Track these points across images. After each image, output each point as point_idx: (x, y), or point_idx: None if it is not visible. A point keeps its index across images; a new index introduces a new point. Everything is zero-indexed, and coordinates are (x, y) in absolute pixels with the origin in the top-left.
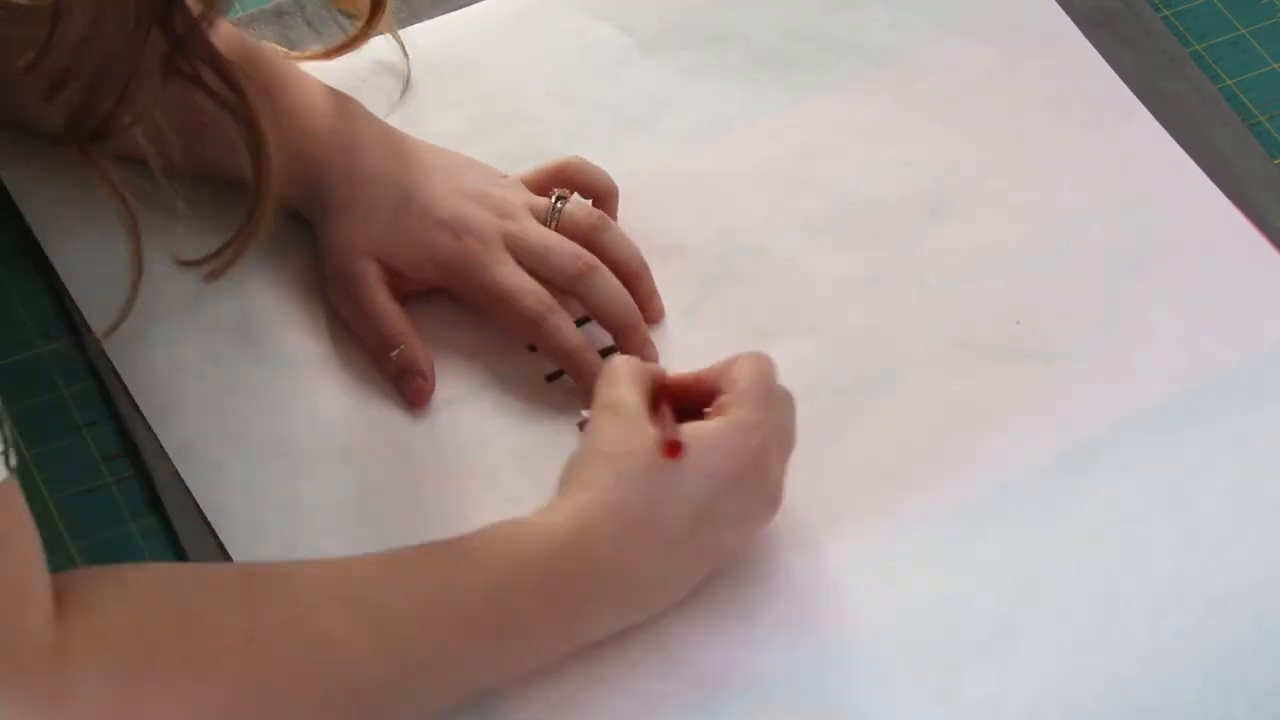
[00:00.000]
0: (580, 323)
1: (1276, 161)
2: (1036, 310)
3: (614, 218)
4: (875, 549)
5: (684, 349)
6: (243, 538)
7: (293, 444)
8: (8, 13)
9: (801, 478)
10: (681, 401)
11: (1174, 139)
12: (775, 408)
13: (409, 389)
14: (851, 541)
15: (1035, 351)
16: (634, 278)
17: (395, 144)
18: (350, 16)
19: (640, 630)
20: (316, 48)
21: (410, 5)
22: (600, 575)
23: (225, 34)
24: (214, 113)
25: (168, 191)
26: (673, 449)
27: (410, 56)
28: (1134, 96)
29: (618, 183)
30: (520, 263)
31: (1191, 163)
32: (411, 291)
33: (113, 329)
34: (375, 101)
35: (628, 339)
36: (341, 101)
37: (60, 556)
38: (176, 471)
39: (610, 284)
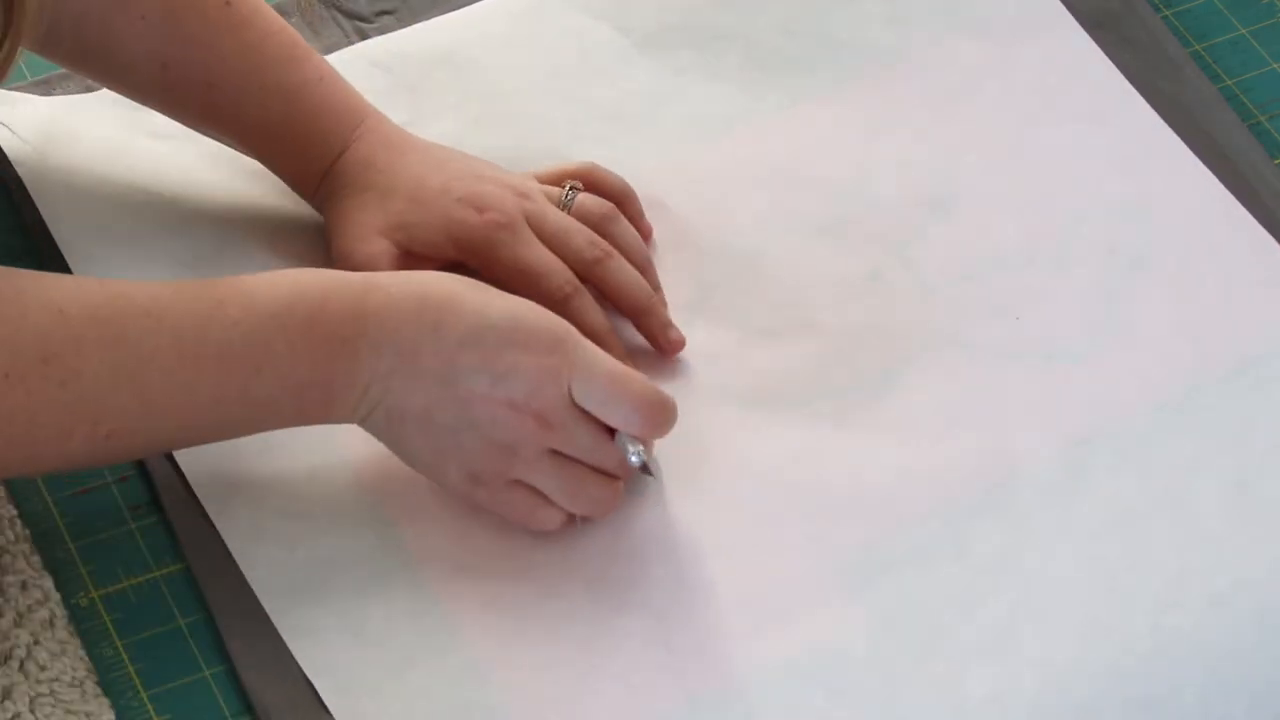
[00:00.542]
0: None
1: (1276, 161)
2: (1036, 310)
3: (636, 220)
4: (876, 548)
5: (684, 349)
6: (243, 537)
7: (292, 444)
8: None
9: (802, 477)
10: None
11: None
12: (609, 397)
13: None
14: (852, 540)
15: (1035, 351)
16: (640, 271)
17: (416, 142)
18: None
19: (641, 626)
20: (317, 47)
21: (410, 5)
22: (363, 318)
23: (268, 29)
24: None
25: None
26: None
27: (410, 56)
28: (1135, 92)
29: None
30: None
31: (1193, 158)
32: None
33: None
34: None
35: (646, 322)
36: (364, 107)
37: (61, 556)
38: (177, 471)
39: (627, 270)
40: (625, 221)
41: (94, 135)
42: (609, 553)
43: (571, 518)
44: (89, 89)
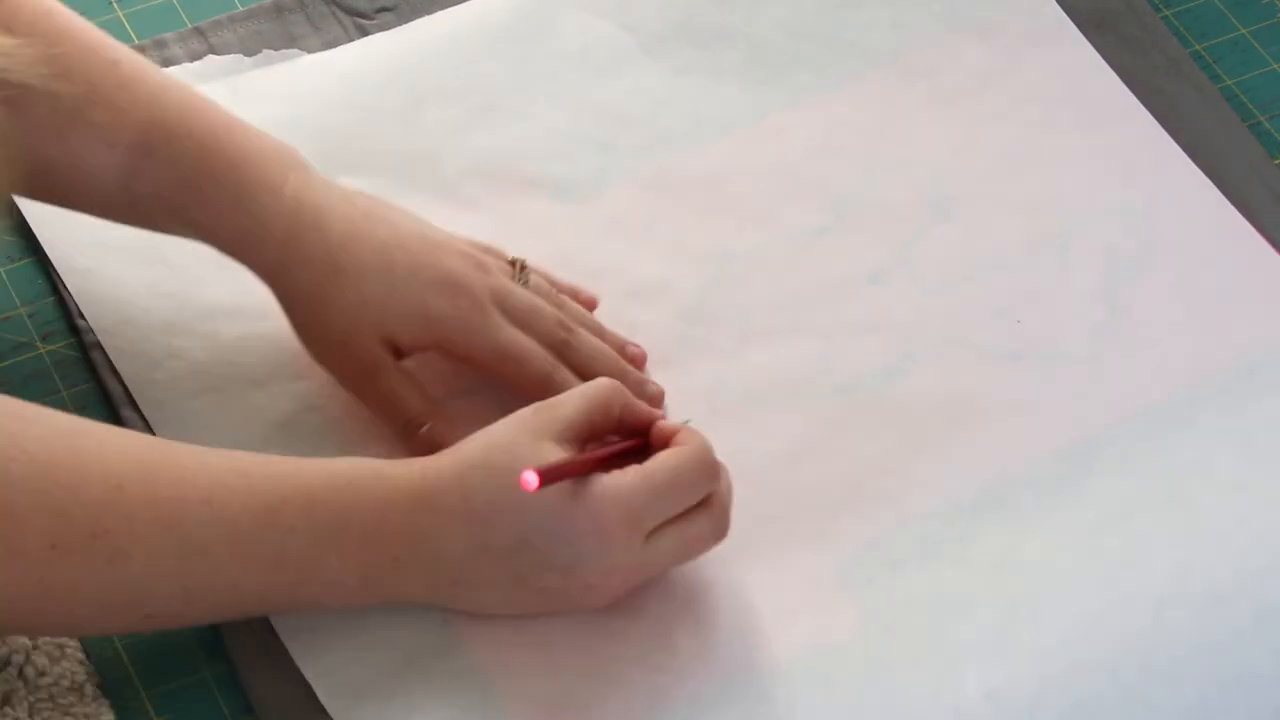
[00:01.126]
0: None
1: (1276, 161)
2: (1036, 310)
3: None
4: (875, 546)
5: (684, 349)
6: None
7: (292, 444)
8: None
9: (802, 477)
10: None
11: (1174, 139)
12: (657, 503)
13: None
14: (852, 539)
15: (1035, 351)
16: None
17: (349, 194)
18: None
19: (642, 625)
20: (317, 44)
21: (410, 1)
22: (419, 544)
23: (164, 85)
24: None
25: None
26: (525, 483)
27: (410, 53)
28: (1134, 97)
29: (617, 182)
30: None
31: (1191, 163)
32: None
33: None
34: (372, 99)
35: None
36: (288, 151)
37: None
38: None
39: (593, 342)
40: (571, 302)
41: None
42: None
43: None
44: None
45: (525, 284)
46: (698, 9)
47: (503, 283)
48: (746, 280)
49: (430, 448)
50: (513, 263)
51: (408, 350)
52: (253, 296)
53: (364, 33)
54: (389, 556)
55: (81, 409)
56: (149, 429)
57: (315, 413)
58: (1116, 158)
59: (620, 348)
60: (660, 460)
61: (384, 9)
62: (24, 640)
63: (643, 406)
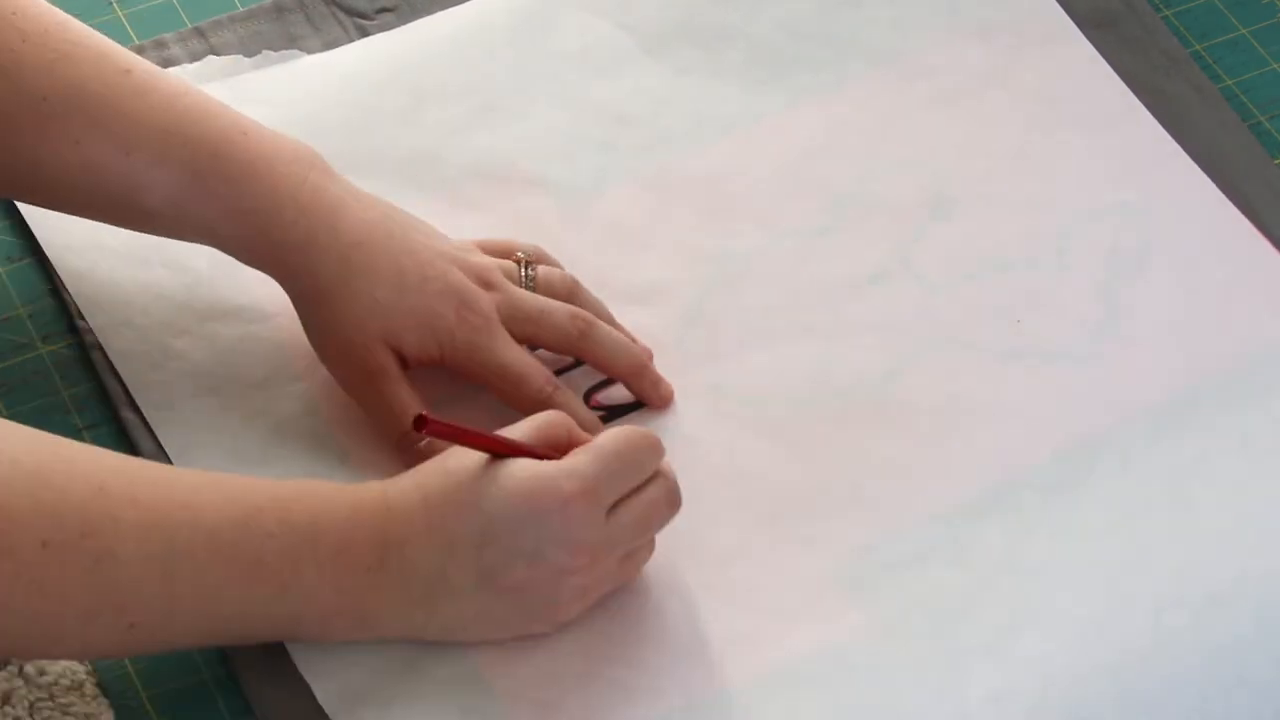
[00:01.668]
0: (562, 371)
1: (1276, 161)
2: (1036, 310)
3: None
4: (875, 548)
5: (684, 349)
6: None
7: (291, 446)
8: None
9: (802, 477)
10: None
11: (1174, 139)
12: (612, 478)
13: None
14: (853, 542)
15: (1035, 351)
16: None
17: (365, 196)
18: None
19: (641, 629)
20: (317, 44)
21: (410, 2)
22: (388, 553)
23: (175, 91)
24: None
25: None
26: (417, 421)
27: (410, 53)
28: (1134, 96)
29: (617, 182)
30: (515, 330)
31: (1191, 163)
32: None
33: None
34: (372, 99)
35: (639, 382)
36: (305, 151)
37: None
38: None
39: (612, 336)
40: (585, 288)
41: None
42: None
43: None
44: None
45: (532, 280)
46: (698, 9)
47: (510, 294)
48: (746, 280)
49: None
50: (518, 260)
51: (412, 360)
52: (253, 297)
53: (364, 33)
54: (361, 566)
55: (81, 409)
56: (149, 429)
57: (315, 415)
58: (1116, 158)
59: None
60: (605, 437)
61: (384, 9)
62: None
63: (587, 438)
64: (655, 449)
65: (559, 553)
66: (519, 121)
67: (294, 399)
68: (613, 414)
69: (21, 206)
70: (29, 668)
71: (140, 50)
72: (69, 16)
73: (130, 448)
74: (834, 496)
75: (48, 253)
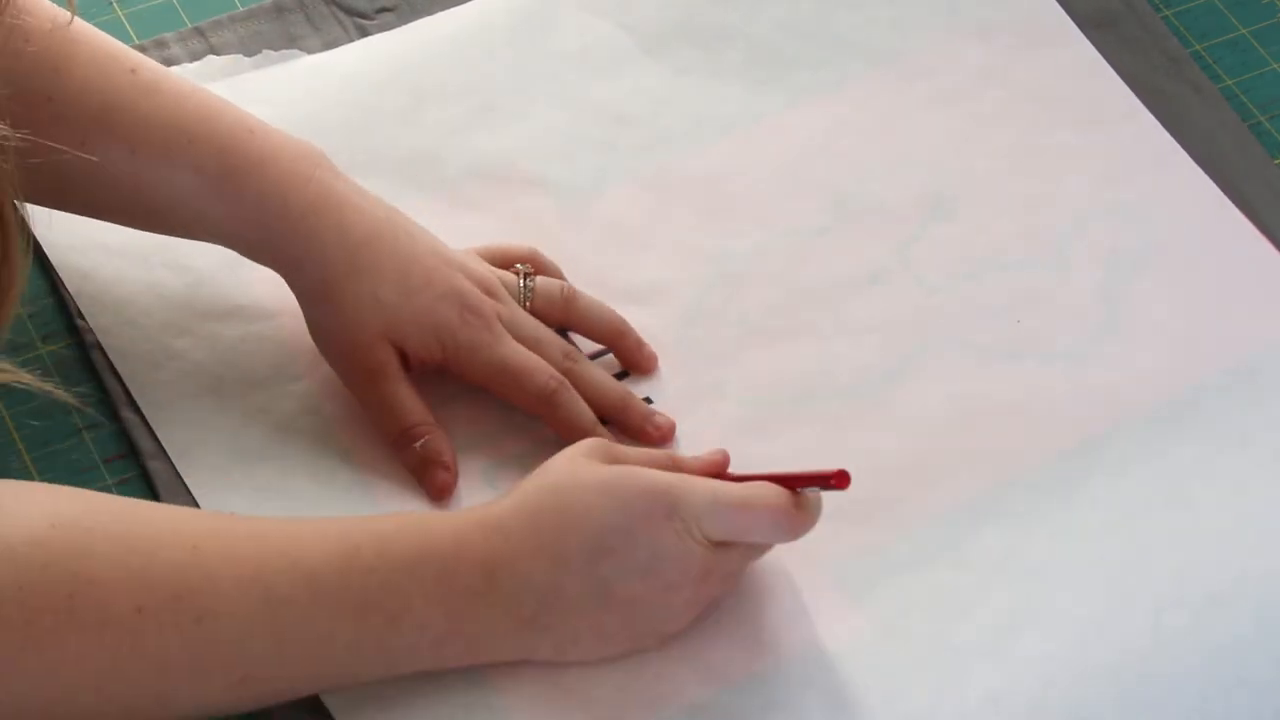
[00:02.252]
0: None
1: (1276, 161)
2: (1036, 310)
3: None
4: (876, 548)
5: (684, 349)
6: None
7: (292, 445)
8: None
9: None
10: None
11: (1174, 139)
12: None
13: (433, 481)
14: (853, 542)
15: (1035, 351)
16: (616, 337)
17: (371, 197)
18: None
19: None
20: (317, 44)
21: (410, 2)
22: (497, 571)
23: (181, 90)
24: None
25: None
26: (840, 477)
27: (410, 53)
28: (1134, 96)
29: (617, 182)
30: None
31: (1191, 163)
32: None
33: None
34: (372, 100)
35: (626, 419)
36: (311, 149)
37: None
38: (177, 474)
39: (595, 373)
40: (585, 297)
41: None
42: None
43: None
44: None
45: (531, 291)
46: (698, 9)
47: (513, 310)
48: (746, 280)
49: (424, 463)
50: (517, 271)
51: (414, 360)
52: (253, 297)
53: (364, 33)
54: (470, 590)
55: (82, 409)
56: (149, 429)
57: (316, 414)
58: (1116, 158)
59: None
60: (758, 498)
61: (384, 9)
62: None
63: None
64: (801, 519)
65: (672, 567)
66: (519, 121)
67: (295, 398)
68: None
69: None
70: None
71: (140, 50)
72: (73, 16)
73: (130, 448)
74: (834, 496)
75: (48, 253)
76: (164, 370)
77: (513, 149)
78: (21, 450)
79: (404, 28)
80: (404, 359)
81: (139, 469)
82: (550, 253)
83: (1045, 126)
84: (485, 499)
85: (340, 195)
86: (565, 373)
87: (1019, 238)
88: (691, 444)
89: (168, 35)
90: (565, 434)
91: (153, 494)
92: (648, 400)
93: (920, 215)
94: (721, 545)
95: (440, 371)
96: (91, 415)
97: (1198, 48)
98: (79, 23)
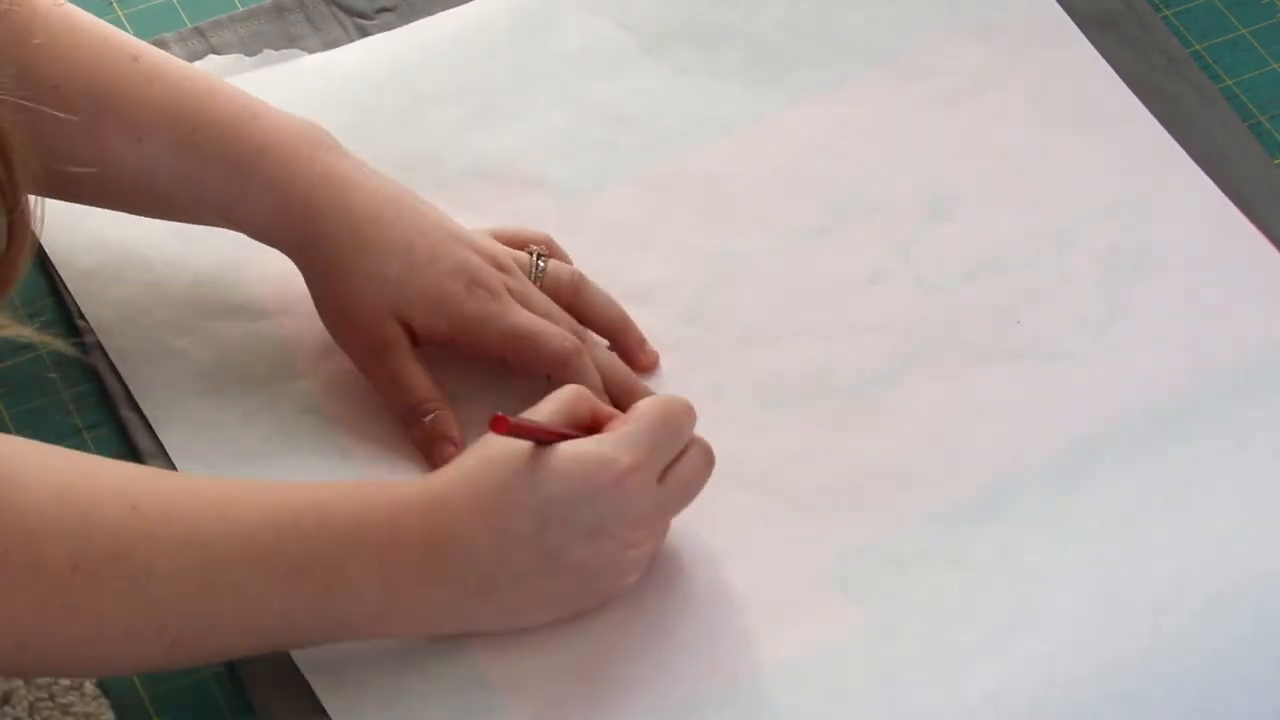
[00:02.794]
0: None
1: (1276, 161)
2: (1036, 310)
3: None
4: (875, 548)
5: (684, 349)
6: None
7: (292, 444)
8: None
9: (801, 477)
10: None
11: (1174, 139)
12: (659, 448)
13: (440, 456)
14: (852, 541)
15: (1035, 351)
16: (620, 331)
17: (376, 174)
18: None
19: (642, 627)
20: (317, 44)
21: (411, 2)
22: (438, 545)
23: (184, 75)
24: None
25: None
26: (496, 422)
27: (410, 53)
28: (1134, 96)
29: (617, 182)
30: None
31: (1191, 163)
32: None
33: None
34: (373, 99)
35: (630, 401)
36: (315, 130)
37: None
38: (160, 449)
39: (603, 353)
40: (594, 286)
41: None
42: None
43: None
44: None
45: (542, 272)
46: (698, 9)
47: (523, 284)
48: (746, 280)
49: (432, 438)
50: (530, 251)
51: (422, 336)
52: (253, 297)
53: (364, 33)
54: (410, 562)
55: (82, 409)
56: (149, 429)
57: (316, 413)
58: (1116, 157)
59: (639, 346)
60: (647, 406)
61: (384, 9)
62: None
63: (609, 410)
64: (691, 413)
65: (619, 527)
66: (519, 121)
67: (295, 397)
68: None
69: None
70: None
71: None
72: (75, 7)
73: (130, 448)
74: (834, 496)
75: (49, 252)
76: (164, 370)
77: (513, 149)
78: None
79: (404, 28)
80: (412, 335)
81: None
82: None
83: (1045, 126)
84: None
85: (345, 173)
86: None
87: (1019, 238)
88: None
89: (168, 35)
90: None
91: None
92: None
93: (920, 215)
94: (660, 485)
95: (451, 346)
96: (91, 415)
97: (1198, 48)
98: (80, 11)
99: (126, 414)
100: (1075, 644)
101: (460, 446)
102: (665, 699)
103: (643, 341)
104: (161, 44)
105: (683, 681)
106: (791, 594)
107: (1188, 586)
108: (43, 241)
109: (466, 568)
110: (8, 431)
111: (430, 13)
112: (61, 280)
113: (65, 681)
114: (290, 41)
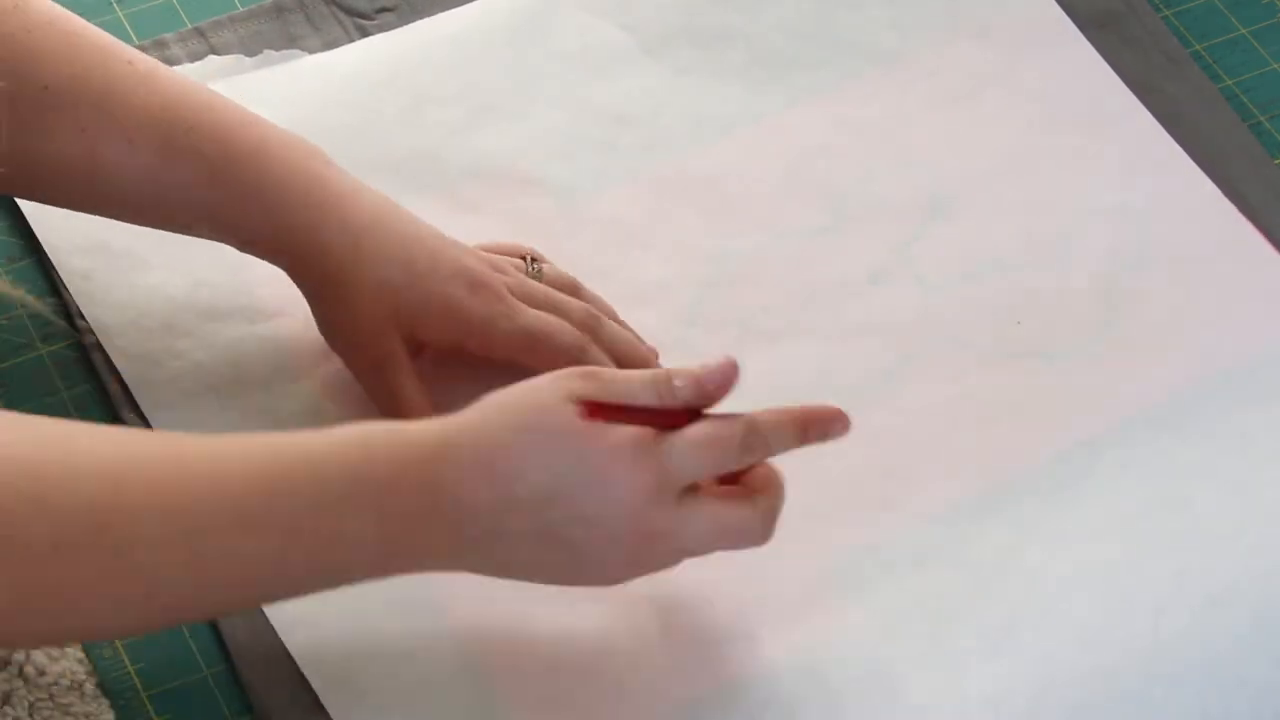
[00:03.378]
0: None
1: (1276, 161)
2: (1036, 310)
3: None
4: (875, 548)
5: (683, 349)
6: None
7: None
8: None
9: (802, 477)
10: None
11: (1174, 139)
12: (692, 450)
13: None
14: (852, 541)
15: (1035, 351)
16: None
17: (363, 184)
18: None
19: (641, 626)
20: (317, 44)
21: (411, 2)
22: (437, 497)
23: (177, 81)
24: None
25: None
26: (592, 410)
27: (410, 54)
28: (1134, 96)
29: (617, 182)
30: None
31: (1191, 163)
32: (425, 353)
33: None
34: (372, 99)
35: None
36: (306, 144)
37: None
38: None
39: (618, 330)
40: (587, 288)
41: None
42: None
43: None
44: None
45: (538, 276)
46: (698, 9)
47: (522, 280)
48: (746, 280)
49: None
50: (523, 256)
51: (428, 343)
52: (253, 298)
53: (364, 33)
54: (408, 512)
55: (81, 409)
56: (145, 423)
57: (316, 414)
58: (1116, 158)
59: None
60: (703, 423)
61: (384, 9)
62: None
63: None
64: (755, 443)
65: (616, 519)
66: (518, 122)
67: (296, 399)
68: None
69: (23, 205)
70: (29, 668)
71: (140, 50)
72: (70, 12)
73: None
74: (833, 497)
75: (48, 253)
76: (164, 370)
77: (513, 149)
78: None
79: (404, 28)
80: (417, 344)
81: None
82: (550, 253)
83: (1045, 126)
84: None
85: (338, 185)
86: (590, 332)
87: (1019, 238)
88: None
89: (168, 35)
90: None
91: None
92: None
93: (920, 215)
94: (680, 508)
95: (458, 352)
96: (91, 415)
97: (1198, 48)
98: (76, 18)
99: (126, 415)
100: (1075, 644)
101: None
102: (665, 699)
103: (639, 340)
104: (161, 44)
105: (683, 681)
106: (792, 593)
107: (1188, 586)
108: (43, 242)
109: (467, 522)
110: None
111: (430, 13)
112: (61, 280)
113: (65, 682)
114: (290, 41)
